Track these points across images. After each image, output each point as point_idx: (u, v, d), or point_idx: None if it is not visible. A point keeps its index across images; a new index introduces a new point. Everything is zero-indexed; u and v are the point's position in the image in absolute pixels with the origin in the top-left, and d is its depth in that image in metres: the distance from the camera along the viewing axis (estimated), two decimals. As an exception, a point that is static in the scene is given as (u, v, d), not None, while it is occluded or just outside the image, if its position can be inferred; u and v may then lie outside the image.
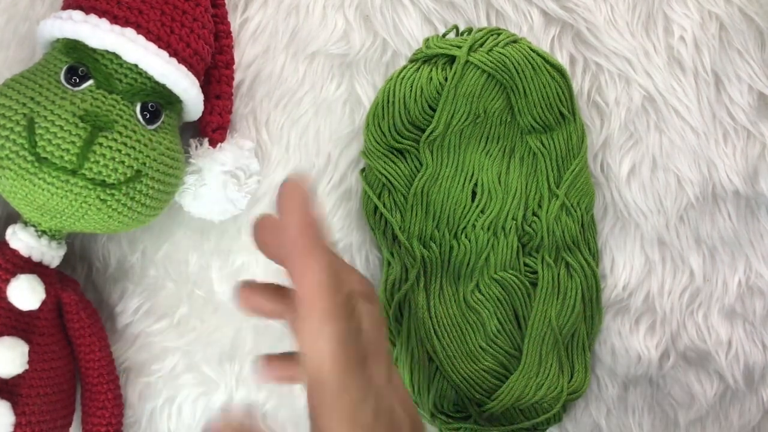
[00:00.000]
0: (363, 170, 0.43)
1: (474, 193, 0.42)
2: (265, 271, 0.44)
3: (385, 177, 0.42)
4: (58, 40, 0.38)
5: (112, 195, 0.36)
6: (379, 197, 0.42)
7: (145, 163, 0.36)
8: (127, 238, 0.44)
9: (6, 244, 0.38)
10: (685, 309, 0.45)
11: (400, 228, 0.41)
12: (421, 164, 0.42)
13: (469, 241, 0.41)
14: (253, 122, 0.44)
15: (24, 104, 0.35)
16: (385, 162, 0.42)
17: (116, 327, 0.44)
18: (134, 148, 0.36)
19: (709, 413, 0.45)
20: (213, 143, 0.41)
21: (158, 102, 0.38)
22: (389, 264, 0.42)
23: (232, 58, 0.42)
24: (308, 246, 0.28)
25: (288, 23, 0.44)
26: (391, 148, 0.42)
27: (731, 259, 0.45)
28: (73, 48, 0.36)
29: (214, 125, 0.41)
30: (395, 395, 0.31)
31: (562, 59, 0.45)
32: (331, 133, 0.44)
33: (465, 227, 0.42)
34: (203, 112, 0.41)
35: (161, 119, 0.38)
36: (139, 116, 0.37)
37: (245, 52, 0.44)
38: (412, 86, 0.41)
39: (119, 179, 0.36)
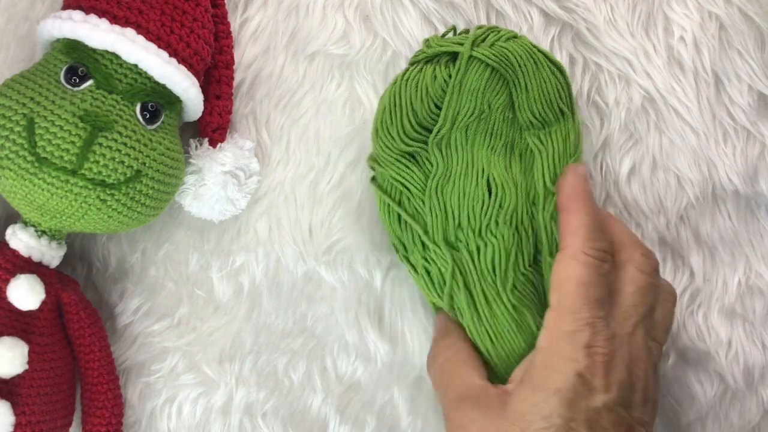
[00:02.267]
0: (373, 178, 0.42)
1: (490, 189, 0.40)
2: (266, 270, 0.44)
3: (401, 183, 0.41)
4: (58, 40, 0.38)
5: (112, 195, 0.36)
6: (399, 205, 0.41)
7: (145, 163, 0.36)
8: (127, 238, 0.44)
9: (6, 244, 0.38)
10: (685, 309, 0.45)
11: (426, 233, 0.40)
12: (432, 165, 0.41)
13: (495, 238, 0.40)
14: (253, 122, 0.44)
15: (24, 104, 0.35)
16: (398, 167, 0.41)
17: (116, 327, 0.44)
18: (134, 148, 0.36)
19: (709, 413, 0.45)
20: (213, 143, 0.41)
21: (158, 102, 0.38)
22: (428, 272, 0.41)
23: (232, 58, 0.42)
24: (581, 199, 0.38)
25: (288, 23, 0.44)
26: (402, 152, 0.41)
27: (731, 259, 0.45)
28: (73, 48, 0.36)
29: (214, 125, 0.41)
30: (638, 357, 0.36)
31: (561, 59, 0.45)
32: (331, 133, 0.44)
33: (488, 224, 0.40)
34: (203, 112, 0.41)
35: (161, 119, 0.38)
36: (139, 116, 0.37)
37: (245, 52, 0.44)
38: (417, 87, 0.40)
39: (119, 179, 0.36)
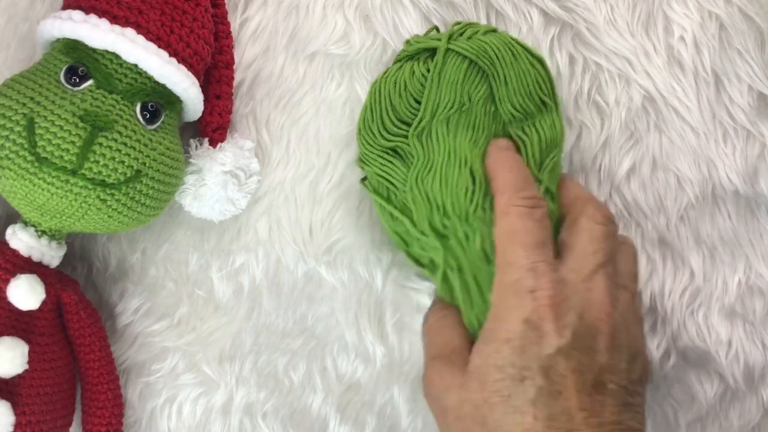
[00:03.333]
0: (364, 179, 0.43)
1: (473, 177, 0.40)
2: (266, 270, 0.44)
3: (385, 178, 0.41)
4: (58, 40, 0.38)
5: (112, 195, 0.36)
6: (387, 201, 0.41)
7: (145, 163, 0.36)
8: (127, 238, 0.44)
9: (6, 244, 0.38)
10: (686, 309, 0.45)
11: (412, 224, 0.40)
12: (414, 157, 0.41)
13: (484, 223, 0.39)
14: (253, 122, 0.44)
15: (24, 104, 0.35)
16: (381, 164, 0.41)
17: (116, 327, 0.44)
18: (134, 148, 0.36)
19: (709, 413, 0.45)
20: (213, 143, 0.41)
21: (158, 102, 0.38)
22: (431, 262, 0.41)
23: (232, 58, 0.42)
24: (503, 164, 0.39)
25: (288, 23, 0.44)
26: (384, 148, 0.41)
27: (731, 259, 0.45)
28: (73, 48, 0.36)
29: (214, 125, 0.41)
30: (599, 301, 0.35)
31: (561, 59, 0.45)
32: (331, 133, 0.44)
33: (475, 210, 0.39)
34: (203, 112, 0.41)
35: (161, 119, 0.38)
36: (139, 116, 0.37)
37: (245, 52, 0.44)
38: (395, 83, 0.41)
39: (119, 179, 0.36)
